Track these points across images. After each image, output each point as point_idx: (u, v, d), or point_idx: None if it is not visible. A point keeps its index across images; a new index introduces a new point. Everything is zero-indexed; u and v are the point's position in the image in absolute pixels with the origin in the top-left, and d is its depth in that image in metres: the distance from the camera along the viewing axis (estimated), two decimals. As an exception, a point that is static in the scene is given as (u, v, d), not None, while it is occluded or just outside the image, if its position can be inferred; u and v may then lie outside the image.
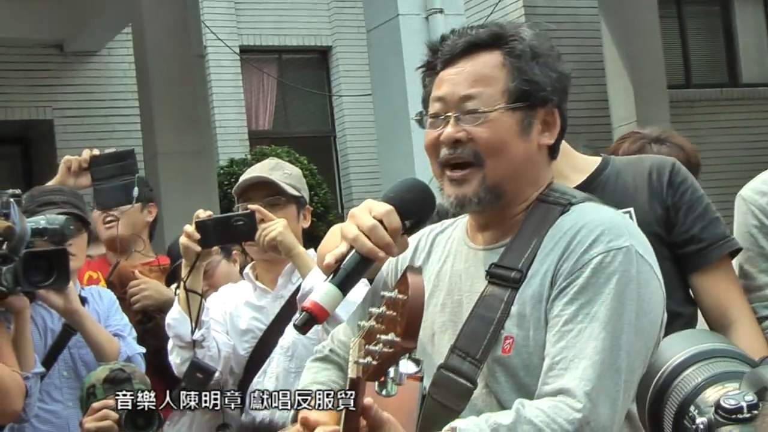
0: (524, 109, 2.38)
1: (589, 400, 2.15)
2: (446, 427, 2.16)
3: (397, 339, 1.96)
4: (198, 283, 4.08)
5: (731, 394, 1.34)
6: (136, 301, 4.91)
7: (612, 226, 2.32)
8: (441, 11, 10.28)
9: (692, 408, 1.49)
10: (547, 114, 2.43)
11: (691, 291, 3.13)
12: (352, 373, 2.01)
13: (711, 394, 1.48)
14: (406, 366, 1.99)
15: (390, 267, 2.61)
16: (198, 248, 4.01)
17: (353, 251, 2.30)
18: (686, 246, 3.07)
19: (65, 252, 4.05)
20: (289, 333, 4.09)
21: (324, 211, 13.26)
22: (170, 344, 4.20)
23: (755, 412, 1.24)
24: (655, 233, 2.94)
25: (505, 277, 2.35)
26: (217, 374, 4.13)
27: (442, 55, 2.44)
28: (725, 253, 3.11)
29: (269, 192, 4.17)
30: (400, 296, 2.01)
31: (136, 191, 4.57)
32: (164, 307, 4.93)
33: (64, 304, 4.27)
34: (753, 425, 1.29)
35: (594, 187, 2.81)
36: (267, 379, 4.12)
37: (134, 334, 4.59)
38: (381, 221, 2.33)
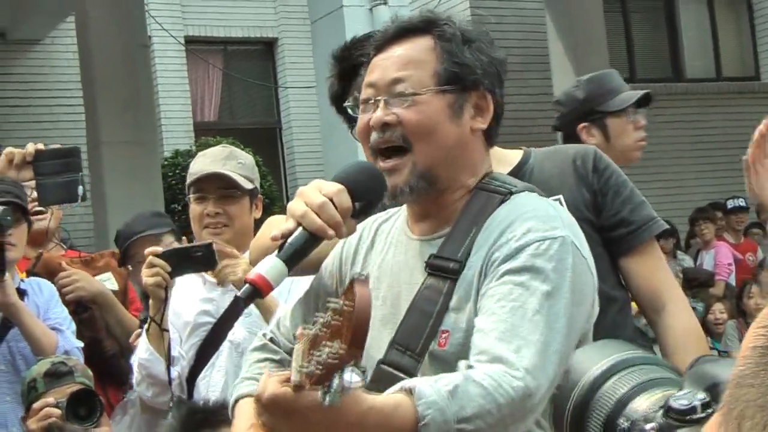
0: (454, 92, 2.36)
1: (526, 371, 2.10)
2: (398, 385, 2.09)
3: (343, 349, 1.91)
4: (166, 320, 4.03)
5: (680, 394, 1.30)
6: (69, 292, 4.86)
7: (546, 217, 2.29)
8: (385, 2, 10.26)
9: (622, 420, 1.44)
10: (479, 98, 2.40)
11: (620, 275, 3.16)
12: (295, 377, 1.96)
13: (640, 404, 1.44)
14: (350, 376, 1.94)
15: (335, 256, 2.58)
16: (168, 280, 3.95)
17: (300, 228, 2.26)
18: (616, 229, 3.12)
19: (1, 244, 3.99)
20: (240, 328, 4.03)
21: (269, 203, 13.16)
22: (137, 377, 4.14)
23: (709, 410, 1.20)
24: (585, 218, 2.99)
25: (443, 268, 2.31)
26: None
27: (374, 41, 2.44)
28: (653, 234, 3.16)
29: (224, 185, 4.09)
30: (347, 306, 1.96)
31: (80, 189, 4.49)
32: (97, 297, 4.88)
33: (1, 296, 4.23)
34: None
35: (519, 177, 2.80)
36: (215, 372, 4.06)
37: (73, 327, 4.57)
38: (331, 200, 2.28)
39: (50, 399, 3.94)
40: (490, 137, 2.46)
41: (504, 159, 3.03)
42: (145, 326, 4.09)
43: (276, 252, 2.23)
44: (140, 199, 9.37)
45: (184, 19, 15.50)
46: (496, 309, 2.18)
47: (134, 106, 11.04)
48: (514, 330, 2.14)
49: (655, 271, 3.15)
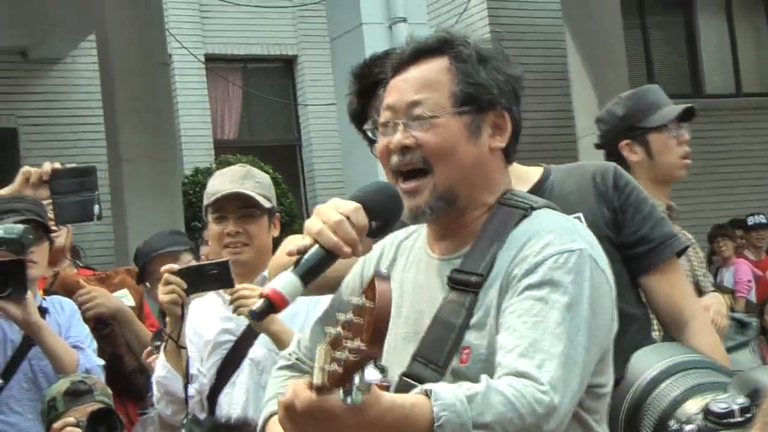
0: (471, 113, 2.37)
1: (551, 386, 2.11)
2: (418, 389, 2.11)
3: (363, 346, 1.91)
4: (184, 337, 4.06)
5: (720, 398, 1.30)
6: (89, 309, 4.87)
7: (565, 231, 2.31)
8: (404, 20, 10.27)
9: (672, 422, 1.45)
10: (497, 117, 2.41)
11: (641, 292, 3.15)
12: (317, 379, 1.96)
13: (691, 407, 1.44)
14: (371, 373, 1.94)
15: (355, 273, 2.59)
16: (183, 297, 3.96)
17: (317, 245, 2.27)
18: (636, 246, 3.10)
19: (23, 262, 4.02)
20: (260, 346, 4.03)
21: (289, 220, 13.19)
22: (156, 395, 4.15)
23: (748, 415, 1.20)
24: (605, 236, 2.97)
25: (465, 282, 2.32)
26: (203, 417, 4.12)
27: (391, 64, 2.45)
28: (674, 252, 3.15)
29: (243, 204, 4.10)
30: (368, 303, 1.97)
31: (97, 209, 4.51)
32: (116, 314, 4.89)
33: (22, 314, 4.23)
34: (747, 429, 1.25)
35: (539, 195, 2.80)
36: (236, 390, 4.06)
37: (94, 345, 4.56)
38: (348, 218, 2.30)
39: (70, 419, 3.94)
40: (509, 154, 2.48)
41: (524, 176, 3.03)
42: (163, 344, 4.11)
43: (292, 268, 2.23)
44: (160, 217, 9.40)
45: (204, 37, 15.57)
46: (518, 325, 2.19)
47: (154, 124, 11.11)
48: (536, 345, 2.15)
49: (676, 289, 3.13)
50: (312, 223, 2.30)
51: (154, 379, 4.14)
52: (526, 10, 14.82)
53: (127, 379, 4.91)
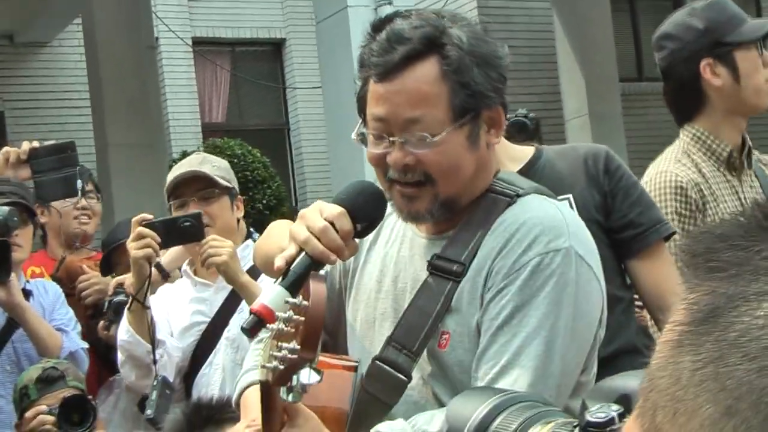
0: (470, 122, 2.29)
1: None
2: (373, 429, 2.14)
3: (298, 348, 1.94)
4: (147, 298, 4.01)
5: (594, 409, 1.30)
6: (87, 296, 4.85)
7: (552, 225, 2.26)
8: (390, 2, 10.23)
9: None
10: (492, 113, 2.34)
11: (627, 276, 3.15)
12: (261, 376, 2.01)
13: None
14: (307, 376, 1.97)
15: (339, 265, 2.55)
16: (158, 252, 3.95)
17: (303, 253, 2.24)
18: (624, 231, 3.08)
19: (7, 244, 4.02)
20: (235, 324, 4.04)
21: (277, 203, 13.20)
22: (120, 359, 4.11)
23: (626, 420, 1.21)
24: (593, 219, 2.97)
25: (446, 270, 2.30)
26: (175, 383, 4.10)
27: (375, 65, 2.29)
28: (661, 237, 3.13)
29: (201, 185, 4.13)
30: (305, 302, 1.99)
31: (80, 183, 4.50)
32: None
33: (6, 297, 4.23)
34: None
35: (530, 175, 2.79)
36: (213, 370, 4.09)
37: (78, 328, 4.56)
38: (332, 223, 2.26)
39: (42, 407, 3.92)
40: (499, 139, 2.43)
41: (516, 156, 3.03)
42: (126, 306, 4.06)
43: (279, 280, 2.21)
44: (147, 201, 9.38)
45: (191, 20, 15.54)
46: (498, 336, 2.19)
47: (141, 108, 11.05)
48: (513, 361, 2.16)
49: (661, 273, 3.11)
50: (297, 230, 2.27)
51: (117, 341, 4.08)
52: (515, -7, 14.82)
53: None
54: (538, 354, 2.16)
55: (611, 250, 3.05)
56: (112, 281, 4.62)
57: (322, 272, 2.37)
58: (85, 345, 4.49)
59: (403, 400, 2.27)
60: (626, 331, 3.07)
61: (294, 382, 1.97)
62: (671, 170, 3.42)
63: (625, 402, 1.27)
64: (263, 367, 1.99)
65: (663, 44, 3.62)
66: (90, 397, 4.04)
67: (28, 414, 3.94)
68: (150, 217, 4.00)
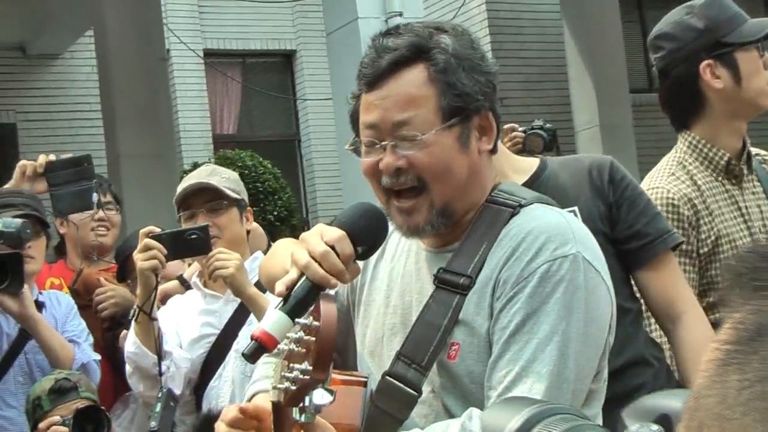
0: (460, 124, 2.30)
1: None
2: None
3: (310, 369, 1.95)
4: (155, 309, 4.02)
5: (634, 429, 1.30)
6: (104, 308, 4.85)
7: (558, 232, 2.27)
8: (400, 14, 10.21)
9: None
10: (482, 119, 2.34)
11: (635, 286, 3.15)
12: (273, 397, 2.01)
13: None
14: (320, 396, 1.97)
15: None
16: (164, 263, 3.94)
17: (304, 278, 2.24)
18: (630, 242, 3.08)
19: (20, 256, 4.03)
20: (244, 337, 4.05)
21: (288, 215, 13.22)
22: (128, 370, 4.11)
23: None
24: (599, 230, 2.96)
25: (453, 283, 2.30)
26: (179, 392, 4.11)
27: (364, 76, 2.33)
28: (668, 247, 3.12)
29: (210, 197, 4.14)
30: (315, 323, 2.00)
31: (95, 196, 4.52)
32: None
33: (19, 308, 4.24)
34: None
35: (535, 187, 2.80)
36: (223, 383, 4.10)
37: (91, 340, 4.57)
38: (333, 247, 2.26)
39: (56, 417, 3.92)
40: (494, 147, 2.42)
41: (521, 167, 3.04)
42: (133, 317, 4.05)
43: (280, 305, 2.21)
44: (158, 212, 9.40)
45: (202, 32, 15.58)
46: (510, 344, 2.20)
47: (153, 119, 11.09)
48: (527, 368, 2.16)
49: (669, 283, 3.12)
50: (299, 255, 2.26)
51: (125, 352, 4.08)
52: (525, 4, 14.81)
53: None
54: (551, 360, 2.16)
55: (618, 260, 3.04)
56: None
57: (332, 292, 2.38)
58: (97, 357, 4.50)
59: (415, 413, 2.27)
60: (635, 343, 3.07)
61: (306, 403, 1.97)
62: (663, 186, 3.38)
63: (665, 422, 1.27)
64: (274, 388, 2.00)
65: (660, 44, 3.51)
66: (103, 408, 4.05)
67: (42, 425, 3.94)
68: (157, 229, 4.00)
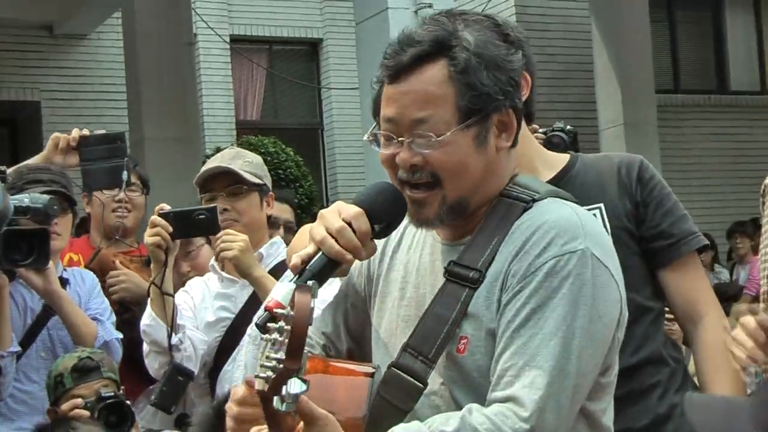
0: (477, 123, 2.30)
1: (537, 408, 2.14)
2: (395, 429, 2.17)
3: (284, 356, 1.99)
4: (169, 284, 4.09)
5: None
6: (114, 292, 4.87)
7: (567, 227, 2.28)
8: (430, 5, 10.19)
9: None
10: (502, 116, 2.35)
11: (659, 286, 3.14)
12: (258, 386, 2.03)
13: None
14: (294, 386, 1.99)
15: (359, 266, 2.58)
16: (168, 241, 4.02)
17: (320, 253, 2.29)
18: (655, 241, 3.08)
19: (47, 232, 4.05)
20: None
21: (309, 202, 13.23)
22: (145, 348, 4.19)
23: None
24: (625, 228, 2.99)
25: (463, 276, 2.32)
26: (197, 373, 4.16)
27: (387, 68, 2.34)
28: (693, 249, 3.13)
29: (231, 181, 4.18)
30: (291, 313, 2.02)
31: (125, 175, 4.54)
32: (142, 299, 4.92)
33: (44, 284, 4.28)
34: None
35: (564, 182, 2.83)
36: (236, 367, 4.14)
37: (113, 318, 4.60)
38: (350, 224, 2.31)
39: (79, 400, 3.97)
40: (514, 142, 2.42)
41: (551, 163, 3.05)
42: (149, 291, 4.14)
43: (295, 278, 2.25)
44: (181, 194, 9.43)
45: (230, 17, 15.58)
46: (515, 338, 2.21)
47: (178, 103, 11.16)
48: (530, 362, 2.18)
49: (693, 284, 3.12)
50: (316, 230, 2.32)
51: (141, 326, 4.17)
52: (554, 0, 14.78)
53: (143, 366, 4.92)
54: (554, 355, 2.18)
55: (642, 259, 3.06)
56: None
57: (337, 281, 2.40)
58: (119, 335, 4.53)
59: (426, 405, 2.29)
60: (653, 342, 3.07)
61: (283, 392, 1.99)
62: None
63: None
64: (257, 377, 2.02)
65: None
66: (128, 402, 4.08)
67: (64, 406, 3.98)
68: (168, 207, 4.09)
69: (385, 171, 2.44)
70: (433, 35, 2.33)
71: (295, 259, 2.29)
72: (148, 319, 4.11)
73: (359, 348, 2.58)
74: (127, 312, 4.80)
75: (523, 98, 2.49)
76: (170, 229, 4.02)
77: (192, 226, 4.06)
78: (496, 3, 14.22)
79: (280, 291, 2.19)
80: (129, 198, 5.15)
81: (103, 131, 4.70)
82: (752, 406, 1.94)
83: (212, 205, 4.10)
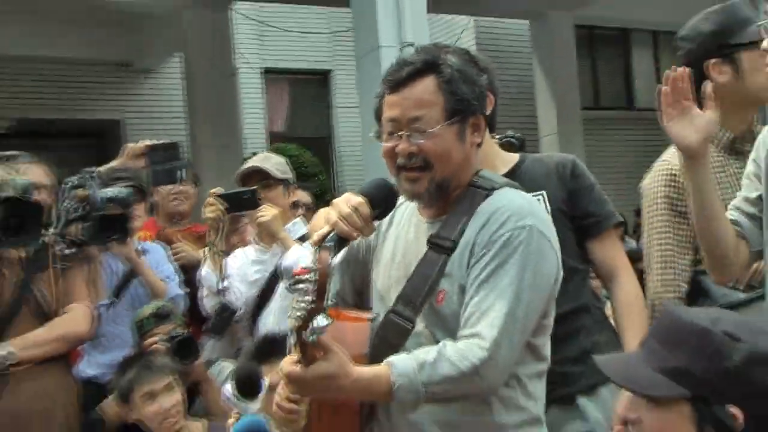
0: (459, 122, 2.34)
1: (494, 341, 2.16)
2: (384, 362, 2.18)
3: (313, 300, 2.00)
4: (222, 247, 4.21)
5: None
6: (178, 259, 4.87)
7: (519, 209, 2.30)
8: (412, 44, 10.20)
9: None
10: (475, 119, 2.38)
11: (587, 252, 3.14)
12: (290, 324, 2.04)
13: None
14: (320, 321, 2.00)
15: (365, 243, 2.59)
16: (225, 213, 4.15)
17: (333, 232, 2.31)
18: (584, 219, 3.08)
19: (127, 216, 4.07)
20: (282, 284, 4.16)
21: (321, 193, 13.20)
22: (202, 293, 4.28)
23: None
24: (561, 210, 3.00)
25: (441, 245, 2.33)
26: (239, 312, 4.20)
27: (388, 82, 2.37)
28: (612, 225, 3.13)
29: (262, 177, 4.27)
30: (316, 268, 2.06)
31: (178, 174, 4.58)
32: (197, 264, 4.94)
33: (126, 253, 4.32)
34: None
35: (516, 176, 2.83)
36: (268, 312, 4.19)
37: (177, 279, 4.61)
38: (356, 209, 2.33)
39: (157, 338, 4.00)
40: (481, 141, 2.45)
41: (506, 160, 3.07)
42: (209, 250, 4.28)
43: (316, 248, 2.26)
44: (226, 187, 9.40)
45: (261, 54, 15.55)
46: (479, 291, 2.23)
47: (224, 119, 11.27)
48: (490, 309, 2.20)
49: (611, 252, 3.12)
50: (329, 215, 2.34)
51: (199, 275, 4.32)
52: (505, 42, 14.80)
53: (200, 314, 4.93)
54: (508, 303, 2.20)
55: (574, 233, 3.06)
56: None
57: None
58: (182, 292, 4.55)
59: (413, 343, 2.29)
60: (582, 294, 3.08)
61: (312, 326, 2.00)
62: (668, 159, 3.21)
63: None
64: (290, 317, 2.04)
65: (680, 45, 3.17)
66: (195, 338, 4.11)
67: (147, 342, 4.02)
68: (221, 190, 4.24)
69: (381, 170, 2.46)
70: (423, 58, 2.37)
71: (315, 237, 2.30)
72: (204, 271, 4.23)
73: (362, 300, 2.57)
74: (186, 273, 4.81)
75: (488, 112, 2.52)
76: (225, 205, 4.14)
77: (239, 204, 4.17)
78: (462, 43, 14.19)
79: (305, 259, 2.22)
80: (184, 190, 5.15)
81: (164, 141, 4.72)
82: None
83: (253, 187, 4.16)
